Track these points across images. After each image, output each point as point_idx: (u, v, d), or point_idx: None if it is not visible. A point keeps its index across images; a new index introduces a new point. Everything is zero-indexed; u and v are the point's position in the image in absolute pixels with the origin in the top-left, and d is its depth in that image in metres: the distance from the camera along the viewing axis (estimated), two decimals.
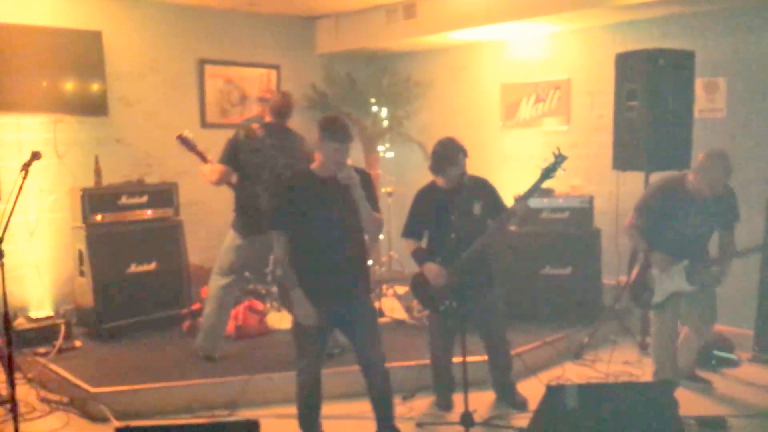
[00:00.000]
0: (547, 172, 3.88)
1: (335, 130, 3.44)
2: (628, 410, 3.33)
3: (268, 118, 4.82)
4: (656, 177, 4.68)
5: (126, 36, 6.32)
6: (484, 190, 4.23)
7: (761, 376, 4.79)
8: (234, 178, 4.69)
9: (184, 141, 4.77)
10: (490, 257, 4.29)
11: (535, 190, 3.97)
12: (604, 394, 3.59)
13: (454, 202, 4.03)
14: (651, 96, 4.99)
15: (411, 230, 4.29)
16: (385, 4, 6.77)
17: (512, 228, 5.72)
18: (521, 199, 3.98)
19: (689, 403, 4.25)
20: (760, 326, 5.10)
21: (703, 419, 4.03)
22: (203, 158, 4.73)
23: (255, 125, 4.76)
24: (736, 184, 4.27)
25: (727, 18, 5.37)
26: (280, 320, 5.69)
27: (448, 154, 4.09)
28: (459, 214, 3.96)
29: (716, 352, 5.03)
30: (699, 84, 5.41)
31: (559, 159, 3.86)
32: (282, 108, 4.79)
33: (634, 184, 5.15)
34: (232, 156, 4.64)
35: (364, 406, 4.10)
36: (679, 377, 4.45)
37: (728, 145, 4.82)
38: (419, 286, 4.25)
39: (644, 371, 4.82)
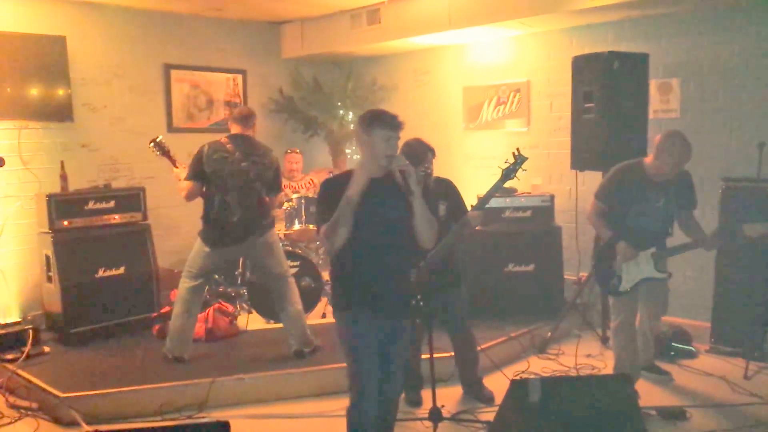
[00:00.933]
0: (508, 173, 3.94)
1: (385, 117, 3.11)
2: (590, 402, 3.42)
3: (233, 130, 4.83)
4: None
5: (91, 41, 6.31)
6: (448, 191, 4.30)
7: (718, 367, 4.94)
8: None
9: (158, 146, 4.84)
10: (456, 257, 4.37)
11: (496, 190, 4.03)
12: (566, 388, 3.67)
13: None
14: (607, 97, 5.13)
15: None
16: (349, 9, 6.85)
17: (477, 228, 5.85)
18: (478, 206, 4.03)
19: (649, 394, 4.40)
20: (717, 319, 5.28)
21: (663, 410, 4.15)
22: (174, 164, 4.80)
23: (222, 138, 4.76)
24: None
25: (680, 21, 5.54)
26: (250, 322, 5.74)
27: (416, 154, 4.09)
28: None
29: (675, 344, 5.19)
30: (653, 85, 5.58)
31: (519, 160, 3.93)
32: (246, 115, 4.84)
33: (592, 183, 5.30)
34: (199, 171, 4.64)
35: (336, 404, 4.18)
36: (639, 369, 4.57)
37: None
38: None
39: (606, 363, 4.96)
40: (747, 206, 4.87)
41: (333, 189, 3.15)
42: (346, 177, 3.15)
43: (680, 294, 5.07)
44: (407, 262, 3.38)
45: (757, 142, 4.69)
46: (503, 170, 3.96)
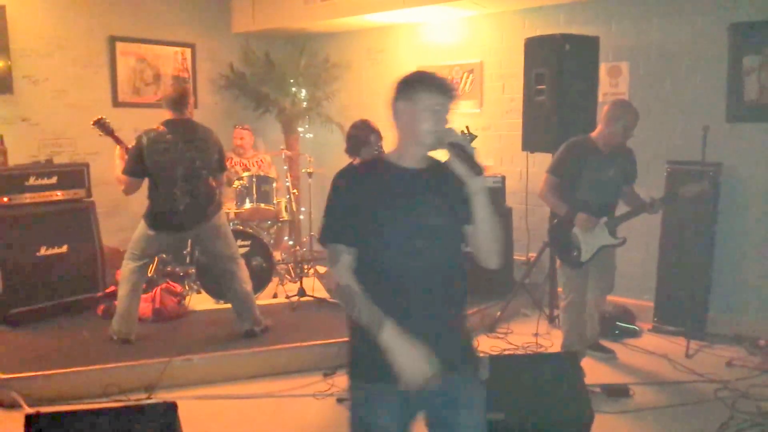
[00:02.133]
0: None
1: (433, 79, 2.27)
2: (537, 379, 3.49)
3: (168, 115, 4.61)
4: None
5: (32, 11, 6.06)
6: None
7: (661, 346, 5.08)
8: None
9: (101, 125, 4.67)
10: None
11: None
12: (514, 365, 3.75)
13: None
14: (558, 80, 5.18)
15: None
16: None
17: None
18: None
19: (595, 372, 4.49)
20: (660, 298, 5.43)
21: (608, 387, 4.24)
22: (120, 143, 4.63)
23: (159, 127, 4.56)
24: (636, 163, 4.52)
25: (630, 5, 5.61)
26: (199, 302, 5.67)
27: (360, 135, 4.22)
28: None
29: (619, 323, 5.31)
30: (603, 68, 5.64)
31: (470, 138, 3.98)
32: (178, 99, 4.61)
33: (542, 165, 5.34)
34: (138, 165, 4.46)
35: (285, 384, 4.16)
36: (585, 347, 4.67)
37: None
38: None
39: (553, 342, 5.06)
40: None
41: (349, 189, 2.24)
42: (369, 169, 2.33)
43: (624, 274, 5.18)
44: (459, 293, 2.36)
45: (702, 125, 4.80)
46: None
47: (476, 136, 3.95)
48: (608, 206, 4.40)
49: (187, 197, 4.57)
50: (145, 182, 4.60)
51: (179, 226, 4.66)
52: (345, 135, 4.36)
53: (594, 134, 4.37)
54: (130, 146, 4.57)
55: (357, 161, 4.30)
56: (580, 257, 4.38)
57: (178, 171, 4.53)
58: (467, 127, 3.97)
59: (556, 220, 4.51)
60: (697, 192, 4.19)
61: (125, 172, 4.51)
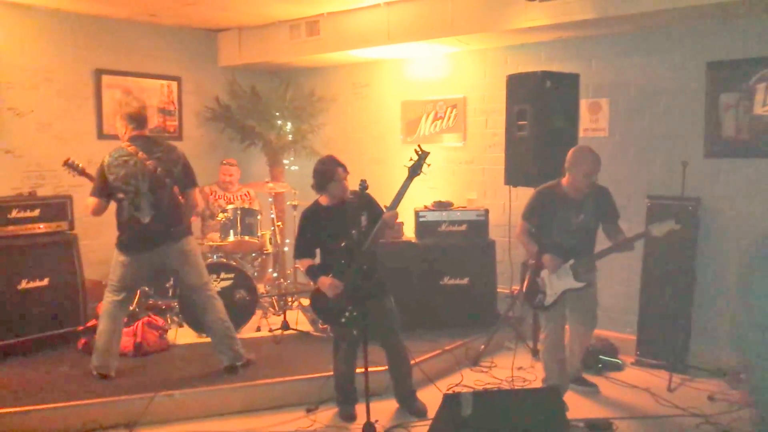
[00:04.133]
0: (414, 170, 4.09)
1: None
2: (520, 415, 3.51)
3: (128, 133, 4.65)
4: None
5: (17, 44, 6.08)
6: (368, 202, 4.38)
7: (643, 379, 5.09)
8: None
9: (70, 166, 4.81)
10: (379, 266, 4.43)
11: (405, 189, 4.14)
12: (497, 401, 3.75)
13: (343, 217, 4.18)
14: (539, 115, 5.27)
15: (302, 251, 4.42)
16: (288, 20, 6.83)
17: (414, 240, 5.91)
18: (392, 206, 4.14)
19: (577, 406, 4.51)
20: (642, 332, 5.45)
21: (591, 422, 4.24)
22: (92, 179, 4.69)
23: (122, 144, 4.62)
24: (617, 198, 4.58)
25: (610, 43, 5.73)
26: (181, 336, 5.62)
27: (326, 170, 4.32)
28: (351, 228, 4.10)
29: (601, 357, 5.33)
30: (583, 105, 5.76)
31: (422, 155, 4.10)
32: (138, 115, 4.67)
33: (524, 199, 5.38)
34: (103, 186, 4.53)
35: (267, 420, 4.12)
36: (567, 382, 4.69)
37: (610, 162, 5.16)
38: (318, 301, 4.34)
39: (536, 376, 5.06)
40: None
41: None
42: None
43: (607, 307, 5.21)
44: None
45: (681, 160, 4.89)
46: (409, 168, 4.11)
47: (428, 153, 4.17)
48: (578, 249, 4.45)
49: (151, 209, 4.55)
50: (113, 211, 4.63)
51: (147, 242, 4.60)
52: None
53: (563, 181, 4.48)
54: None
55: (325, 199, 4.40)
56: (544, 300, 4.46)
57: (140, 182, 4.53)
58: (419, 146, 4.19)
59: (531, 262, 4.60)
60: (666, 231, 4.20)
61: (92, 193, 4.58)
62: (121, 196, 4.54)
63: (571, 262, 4.38)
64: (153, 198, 4.56)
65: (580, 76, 5.51)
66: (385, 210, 4.20)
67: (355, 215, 4.17)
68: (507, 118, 5.56)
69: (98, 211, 4.59)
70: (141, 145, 4.60)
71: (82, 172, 4.80)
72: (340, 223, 4.19)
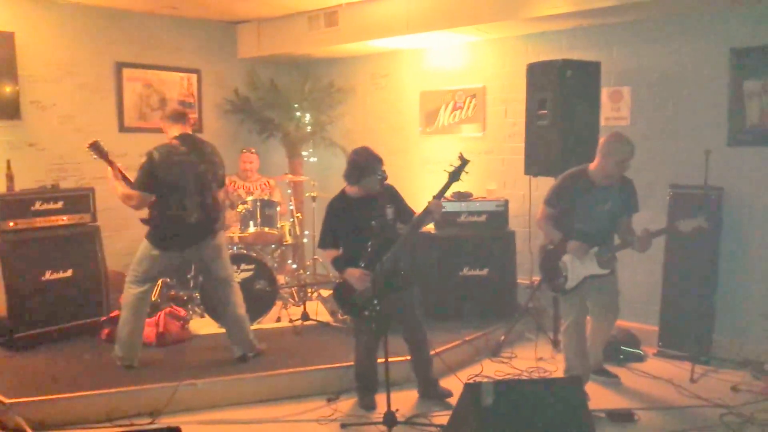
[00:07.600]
0: (454, 176, 4.09)
1: None
2: (541, 405, 3.47)
3: (173, 130, 4.69)
4: None
5: (40, 38, 6.15)
6: (393, 195, 4.38)
7: (665, 370, 5.04)
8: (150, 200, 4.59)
9: (96, 148, 4.69)
10: (405, 257, 4.44)
11: (445, 191, 4.16)
12: (518, 391, 3.71)
13: (371, 209, 4.16)
14: (560, 104, 5.21)
15: (328, 241, 4.38)
16: (306, 11, 6.83)
17: (433, 231, 5.91)
18: (436, 199, 4.14)
19: (599, 396, 4.48)
20: (664, 322, 5.41)
21: (612, 412, 4.23)
22: (113, 165, 4.64)
23: (171, 141, 4.63)
24: (639, 188, 4.53)
25: (631, 30, 5.66)
26: (203, 326, 5.67)
27: (365, 164, 4.21)
28: (379, 221, 4.09)
29: (623, 348, 5.29)
30: (605, 93, 5.69)
31: (464, 163, 4.09)
32: (182, 113, 4.75)
33: (545, 189, 5.34)
34: (150, 181, 4.49)
35: (290, 409, 4.14)
36: (588, 372, 4.66)
37: None
38: (343, 293, 4.33)
39: (557, 367, 5.04)
40: (693, 212, 4.99)
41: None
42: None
43: (629, 298, 5.17)
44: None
45: (704, 149, 4.82)
46: (449, 173, 4.10)
47: (469, 161, 4.10)
48: (602, 236, 4.42)
49: (198, 210, 4.59)
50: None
51: (187, 242, 4.65)
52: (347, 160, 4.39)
53: (592, 166, 4.40)
54: (121, 166, 4.64)
55: (352, 190, 4.34)
56: (565, 284, 4.43)
57: (190, 183, 4.57)
58: (461, 153, 4.12)
59: (550, 247, 4.54)
60: (695, 227, 4.16)
61: (136, 187, 4.52)
62: (166, 192, 4.54)
63: (596, 249, 4.35)
64: (199, 198, 4.60)
65: (602, 64, 5.44)
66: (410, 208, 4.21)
67: (383, 207, 4.19)
68: (527, 108, 5.51)
69: (141, 205, 4.57)
70: (191, 144, 4.64)
71: (106, 157, 4.68)
72: (371, 216, 4.14)
